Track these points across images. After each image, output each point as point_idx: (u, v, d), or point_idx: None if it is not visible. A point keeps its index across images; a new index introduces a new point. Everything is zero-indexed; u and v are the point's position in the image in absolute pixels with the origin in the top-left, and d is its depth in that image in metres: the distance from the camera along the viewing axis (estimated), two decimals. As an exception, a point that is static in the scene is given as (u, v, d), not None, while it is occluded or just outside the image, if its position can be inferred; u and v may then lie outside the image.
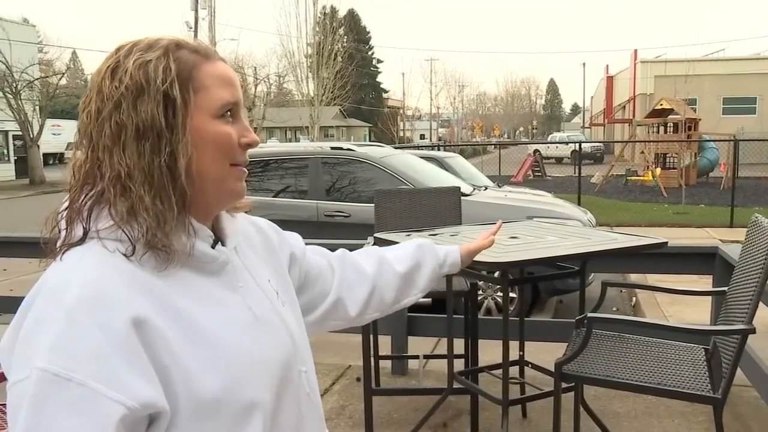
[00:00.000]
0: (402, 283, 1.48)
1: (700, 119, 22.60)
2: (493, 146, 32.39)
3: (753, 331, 2.37)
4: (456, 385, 3.47)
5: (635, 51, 39.13)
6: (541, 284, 6.25)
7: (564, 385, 2.74)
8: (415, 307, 4.95)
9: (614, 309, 7.06)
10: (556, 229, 3.49)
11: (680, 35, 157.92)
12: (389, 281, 1.46)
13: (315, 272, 1.38)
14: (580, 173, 15.55)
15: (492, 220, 4.16)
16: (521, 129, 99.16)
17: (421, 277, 1.52)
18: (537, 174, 24.56)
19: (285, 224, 1.39)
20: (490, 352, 3.82)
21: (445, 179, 7.14)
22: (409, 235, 3.34)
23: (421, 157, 8.25)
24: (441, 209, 4.13)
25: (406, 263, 1.49)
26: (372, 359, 3.90)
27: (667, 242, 3.02)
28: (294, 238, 1.38)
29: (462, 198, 4.24)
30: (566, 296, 7.05)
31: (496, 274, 3.38)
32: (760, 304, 2.56)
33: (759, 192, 18.01)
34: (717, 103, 35.02)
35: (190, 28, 29.56)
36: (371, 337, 3.79)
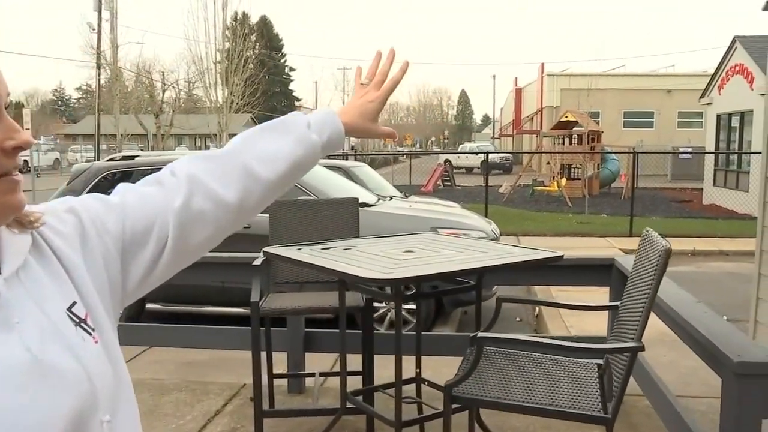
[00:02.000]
0: (276, 186, 1.18)
1: (602, 132, 23.38)
2: (404, 156, 32.55)
3: (642, 348, 2.34)
4: (349, 405, 3.34)
5: (542, 65, 40.25)
6: (444, 297, 6.21)
7: (455, 405, 2.65)
8: (313, 322, 4.82)
9: (518, 319, 7.12)
10: (454, 243, 3.42)
11: (584, 51, 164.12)
12: (259, 196, 1.16)
13: (143, 228, 1.05)
14: (487, 183, 15.77)
15: (395, 231, 4.10)
16: (433, 139, 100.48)
17: (305, 168, 1.22)
18: (447, 184, 24.83)
19: None
20: (390, 367, 3.70)
21: (351, 189, 7.01)
22: (300, 249, 3.19)
23: (327, 167, 8.11)
24: (339, 221, 4.00)
25: (281, 167, 1.17)
26: (266, 377, 3.73)
27: (562, 256, 2.98)
28: (112, 220, 1.03)
29: (365, 209, 4.13)
30: (471, 307, 7.04)
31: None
32: (652, 314, 2.55)
33: (656, 202, 18.79)
34: (618, 117, 36.47)
35: (93, 29, 28.38)
36: (264, 354, 3.62)
